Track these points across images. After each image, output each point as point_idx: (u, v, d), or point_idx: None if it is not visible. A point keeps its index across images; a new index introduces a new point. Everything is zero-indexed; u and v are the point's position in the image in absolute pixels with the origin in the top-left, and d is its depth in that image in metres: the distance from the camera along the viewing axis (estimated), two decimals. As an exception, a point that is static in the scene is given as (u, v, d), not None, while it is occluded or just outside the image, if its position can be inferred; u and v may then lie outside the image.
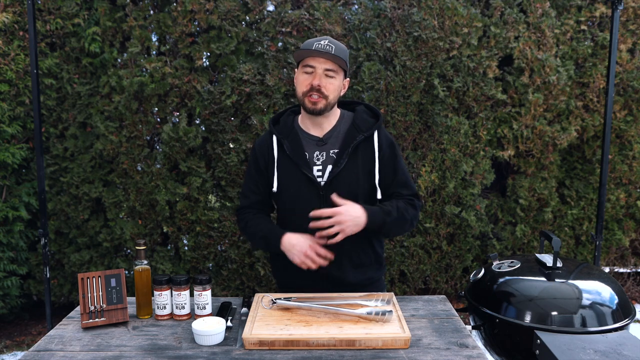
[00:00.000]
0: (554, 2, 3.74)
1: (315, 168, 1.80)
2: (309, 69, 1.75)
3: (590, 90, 3.80)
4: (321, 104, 1.75)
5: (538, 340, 1.58)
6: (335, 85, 1.77)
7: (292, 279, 1.88)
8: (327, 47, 1.72)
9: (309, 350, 1.46)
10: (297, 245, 1.74)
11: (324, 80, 1.74)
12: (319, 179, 1.79)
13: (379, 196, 1.85)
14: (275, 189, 1.83)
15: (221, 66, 3.56)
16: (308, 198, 1.78)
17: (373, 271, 1.92)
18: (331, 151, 1.82)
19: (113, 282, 1.68)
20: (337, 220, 1.68)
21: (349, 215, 1.69)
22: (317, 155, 1.81)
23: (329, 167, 1.79)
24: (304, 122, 1.86)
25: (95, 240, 3.73)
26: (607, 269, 4.17)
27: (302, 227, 1.76)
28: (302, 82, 1.77)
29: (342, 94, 1.84)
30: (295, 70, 1.84)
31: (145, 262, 1.73)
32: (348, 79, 1.87)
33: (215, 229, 3.66)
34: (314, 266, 1.73)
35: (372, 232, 1.80)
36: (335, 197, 1.71)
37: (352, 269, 1.86)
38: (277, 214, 1.98)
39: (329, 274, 1.82)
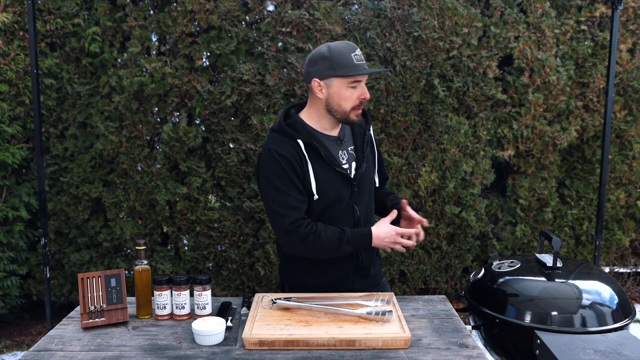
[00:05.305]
0: (554, 2, 3.74)
1: (344, 167, 1.83)
2: (356, 84, 1.76)
3: (590, 90, 3.80)
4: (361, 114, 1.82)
5: (538, 340, 1.58)
6: None
7: (319, 278, 1.87)
8: (362, 57, 1.76)
9: (309, 350, 1.46)
10: (387, 238, 1.77)
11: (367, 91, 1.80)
12: (351, 177, 1.83)
13: (376, 184, 1.99)
14: (316, 195, 1.76)
15: (221, 66, 3.56)
16: (346, 198, 1.82)
17: (379, 259, 2.02)
18: (349, 148, 1.87)
19: (113, 282, 1.68)
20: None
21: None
22: (341, 155, 1.84)
23: (353, 164, 1.85)
24: (316, 123, 1.82)
25: (95, 240, 3.73)
26: (607, 269, 4.17)
27: (337, 226, 1.79)
28: (349, 97, 1.75)
29: None
30: (318, 81, 1.75)
31: (145, 262, 1.73)
32: None
33: (215, 229, 3.66)
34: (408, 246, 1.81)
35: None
36: (406, 205, 1.83)
37: (373, 259, 1.94)
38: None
39: (362, 267, 1.88)
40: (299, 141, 1.75)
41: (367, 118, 1.95)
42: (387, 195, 2.04)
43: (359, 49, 1.76)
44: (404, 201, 1.84)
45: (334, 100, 1.76)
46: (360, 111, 1.79)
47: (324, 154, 1.77)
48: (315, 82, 1.75)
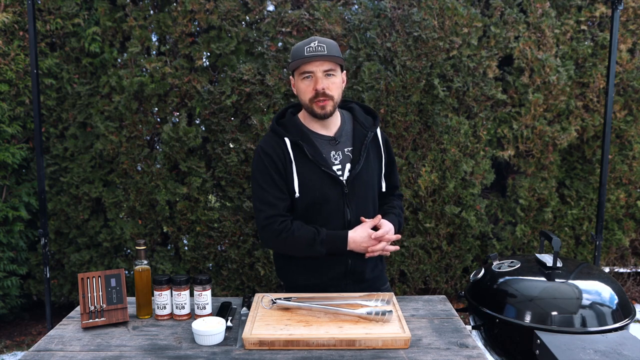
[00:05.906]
0: (554, 2, 3.74)
1: (334, 168, 1.81)
2: (307, 75, 1.74)
3: (590, 90, 3.80)
4: (330, 106, 1.76)
5: (538, 340, 1.58)
6: (338, 83, 1.78)
7: (308, 279, 1.87)
8: (319, 47, 1.70)
9: (309, 350, 1.46)
10: (363, 243, 1.78)
11: (326, 82, 1.73)
12: (340, 178, 1.81)
13: (383, 189, 1.95)
14: (298, 194, 1.78)
15: (221, 66, 3.56)
16: (334, 199, 1.80)
17: (381, 264, 1.99)
18: (345, 150, 1.84)
19: (113, 282, 1.68)
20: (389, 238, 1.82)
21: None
22: (333, 155, 1.82)
23: (348, 166, 1.83)
24: (310, 122, 1.84)
25: (95, 240, 3.73)
26: (607, 269, 4.17)
27: (325, 227, 1.79)
28: (304, 89, 1.76)
29: (343, 87, 1.84)
30: (292, 78, 1.82)
31: (145, 262, 1.73)
32: (345, 71, 1.87)
33: (215, 229, 3.66)
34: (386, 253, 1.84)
35: None
36: (373, 220, 1.82)
37: (369, 263, 1.90)
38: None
39: (353, 271, 1.86)
40: (286, 139, 1.79)
41: (376, 120, 1.91)
42: (383, 205, 1.97)
43: (318, 42, 1.71)
44: (362, 217, 1.83)
45: (299, 95, 1.80)
46: (325, 103, 1.74)
47: (309, 153, 1.77)
48: (292, 81, 1.83)
